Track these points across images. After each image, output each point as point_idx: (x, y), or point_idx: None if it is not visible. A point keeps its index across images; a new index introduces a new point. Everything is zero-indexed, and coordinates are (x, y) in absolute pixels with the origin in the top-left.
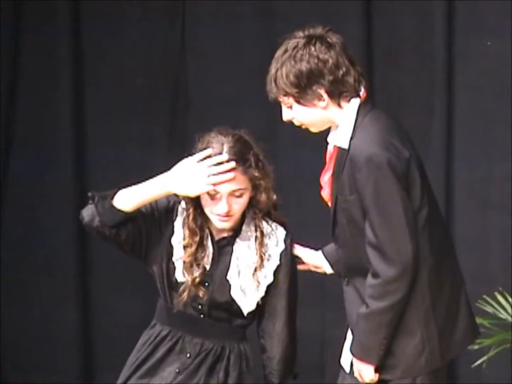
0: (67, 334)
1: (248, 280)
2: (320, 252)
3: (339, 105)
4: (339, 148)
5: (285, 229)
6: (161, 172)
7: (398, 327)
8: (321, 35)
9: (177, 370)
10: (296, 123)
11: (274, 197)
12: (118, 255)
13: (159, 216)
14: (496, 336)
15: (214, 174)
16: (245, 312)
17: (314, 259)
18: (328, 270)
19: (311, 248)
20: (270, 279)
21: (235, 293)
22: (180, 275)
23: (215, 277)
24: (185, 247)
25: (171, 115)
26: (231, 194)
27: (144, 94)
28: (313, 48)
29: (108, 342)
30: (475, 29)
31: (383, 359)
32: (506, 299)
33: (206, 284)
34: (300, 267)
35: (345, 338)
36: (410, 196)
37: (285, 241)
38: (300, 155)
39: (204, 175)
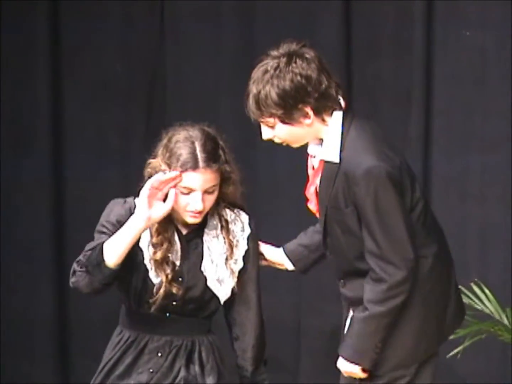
0: (43, 319)
1: (222, 269)
2: (281, 249)
3: (323, 120)
4: (327, 162)
5: (247, 213)
6: (139, 159)
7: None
8: (298, 51)
9: (151, 370)
10: (277, 140)
11: (240, 188)
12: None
13: None
14: (471, 327)
15: (172, 187)
16: (222, 301)
17: (275, 256)
18: (290, 267)
19: (274, 245)
20: (240, 264)
21: (211, 284)
22: (153, 276)
23: (187, 271)
24: (154, 245)
25: (149, 103)
26: (205, 191)
27: (122, 81)
28: (294, 65)
29: (84, 328)
30: (454, 19)
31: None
32: (482, 290)
33: (180, 279)
34: (262, 263)
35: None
36: (404, 200)
37: (250, 224)
38: (278, 146)
39: (161, 196)
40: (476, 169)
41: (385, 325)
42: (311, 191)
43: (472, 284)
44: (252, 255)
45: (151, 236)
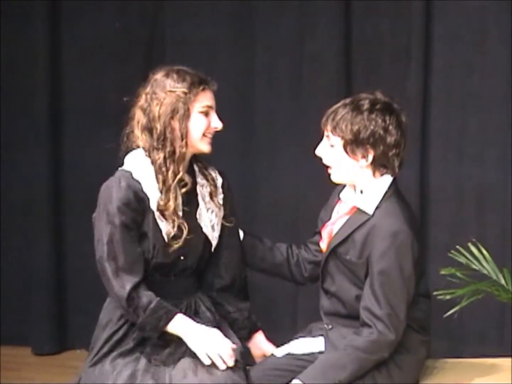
0: (41, 277)
1: (214, 214)
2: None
3: (374, 174)
4: (360, 210)
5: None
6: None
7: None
8: (397, 110)
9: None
10: (326, 161)
11: None
12: (92, 201)
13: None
14: (468, 287)
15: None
16: (214, 247)
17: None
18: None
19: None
20: (222, 211)
21: (206, 230)
22: (163, 227)
23: (187, 220)
24: (165, 197)
25: (147, 61)
26: None
27: (121, 39)
28: (387, 118)
29: (81, 286)
30: None
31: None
32: (479, 250)
33: (183, 228)
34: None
35: None
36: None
37: (220, 173)
38: (276, 102)
39: None
40: (474, 128)
41: (354, 369)
42: (327, 231)
43: (469, 244)
44: (229, 202)
45: (161, 187)
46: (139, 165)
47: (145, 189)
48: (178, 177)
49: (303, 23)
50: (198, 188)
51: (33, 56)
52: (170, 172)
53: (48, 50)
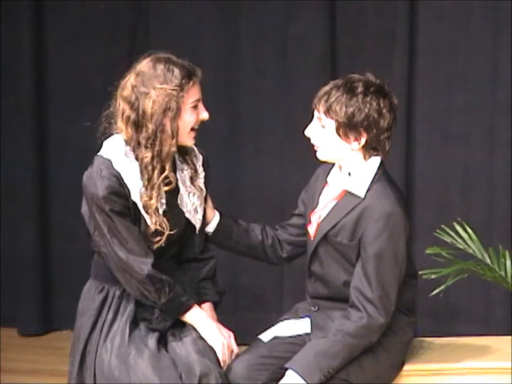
0: (26, 258)
1: (195, 196)
2: (218, 214)
3: (364, 156)
4: (349, 193)
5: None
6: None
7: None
8: (389, 93)
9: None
10: (315, 142)
11: None
12: (78, 182)
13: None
14: (454, 266)
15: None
16: (197, 228)
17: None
18: (209, 228)
19: None
20: (204, 191)
21: (188, 215)
22: (149, 222)
23: (170, 211)
24: (148, 195)
25: (131, 43)
26: None
27: (105, 21)
28: (381, 101)
29: (67, 267)
30: None
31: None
32: (465, 230)
33: (167, 220)
34: None
35: None
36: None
37: (200, 153)
38: (261, 83)
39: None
40: (459, 109)
41: (345, 356)
42: (316, 215)
43: (454, 223)
44: (208, 183)
45: (146, 183)
46: (119, 155)
47: (126, 180)
48: (164, 175)
49: (288, 4)
50: (178, 173)
51: (17, 38)
52: (156, 171)
53: (32, 32)
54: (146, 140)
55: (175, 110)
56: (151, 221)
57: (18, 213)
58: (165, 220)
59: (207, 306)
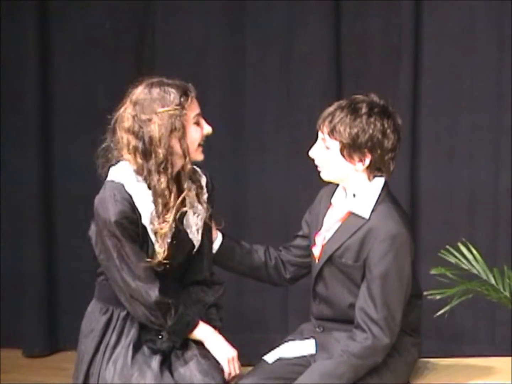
0: (31, 279)
1: (199, 219)
2: (220, 236)
3: (368, 177)
4: (354, 214)
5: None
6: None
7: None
8: (393, 114)
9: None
10: (319, 163)
11: None
12: (83, 201)
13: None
14: (458, 286)
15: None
16: (196, 247)
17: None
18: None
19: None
20: (207, 212)
21: (192, 236)
22: (157, 247)
23: (176, 230)
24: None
25: (138, 61)
26: None
27: (111, 39)
28: (385, 121)
29: (72, 287)
30: None
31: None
32: (469, 250)
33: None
34: None
35: None
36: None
37: (204, 174)
38: (266, 102)
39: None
40: (464, 128)
41: (350, 377)
42: (321, 237)
43: (459, 244)
44: (211, 204)
45: (161, 210)
46: (129, 180)
47: (137, 204)
48: (182, 197)
49: (293, 22)
50: (186, 193)
51: (23, 55)
52: (173, 194)
53: (38, 50)
54: (158, 165)
55: (181, 129)
56: (160, 248)
57: (23, 232)
58: (166, 249)
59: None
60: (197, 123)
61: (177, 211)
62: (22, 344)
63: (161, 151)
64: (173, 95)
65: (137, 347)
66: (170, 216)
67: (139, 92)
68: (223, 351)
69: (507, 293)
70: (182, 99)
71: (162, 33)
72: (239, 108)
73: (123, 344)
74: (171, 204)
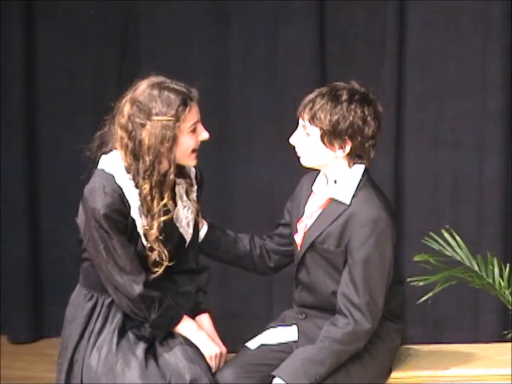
0: (16, 265)
1: (189, 212)
2: (206, 225)
3: (349, 164)
4: (335, 201)
5: None
6: (111, 102)
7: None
8: (374, 101)
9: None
10: (299, 150)
11: None
12: (68, 189)
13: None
14: (442, 273)
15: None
16: (187, 244)
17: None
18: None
19: None
20: (197, 205)
21: (182, 230)
22: (145, 241)
23: (165, 224)
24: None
25: (122, 47)
26: None
27: (95, 25)
28: (366, 108)
29: (57, 274)
30: None
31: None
32: (453, 237)
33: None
34: None
35: None
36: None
37: (194, 166)
38: (251, 91)
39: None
40: (449, 116)
41: (332, 362)
42: (302, 224)
43: (443, 231)
44: (200, 195)
45: (145, 213)
46: (120, 171)
47: (127, 196)
48: (161, 204)
49: (278, 11)
50: (177, 188)
51: (7, 44)
52: (155, 201)
53: (23, 39)
54: (144, 171)
55: (171, 140)
56: (152, 251)
57: (7, 220)
58: (165, 251)
59: (206, 316)
60: (193, 131)
61: (159, 217)
62: (7, 330)
63: (147, 158)
64: (171, 104)
65: (121, 334)
66: (154, 223)
67: (140, 91)
68: (206, 348)
69: (490, 280)
70: (179, 109)
71: (147, 21)
72: (224, 96)
73: (107, 331)
74: (154, 210)
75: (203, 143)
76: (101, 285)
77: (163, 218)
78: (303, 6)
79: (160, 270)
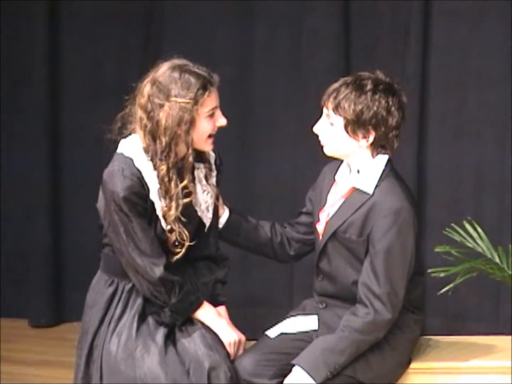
0: (38, 250)
1: (209, 196)
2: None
3: (372, 154)
4: (358, 190)
5: None
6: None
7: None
8: (399, 91)
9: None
10: (323, 138)
11: None
12: (91, 175)
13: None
14: (463, 264)
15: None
16: (206, 228)
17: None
18: (222, 219)
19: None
20: (216, 190)
21: (201, 214)
22: (164, 224)
23: (184, 208)
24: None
25: (146, 32)
26: None
27: (119, 10)
28: (390, 99)
29: (79, 259)
30: None
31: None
32: (475, 228)
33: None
34: None
35: None
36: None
37: (212, 150)
38: (275, 78)
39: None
40: (472, 106)
41: (352, 352)
42: (324, 213)
43: (464, 222)
44: (219, 182)
45: (164, 194)
46: (139, 155)
47: (146, 179)
48: (180, 186)
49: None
50: (196, 172)
51: (31, 29)
52: (173, 182)
53: (47, 23)
54: (161, 152)
55: (188, 123)
56: (172, 232)
57: (30, 204)
58: (185, 231)
59: (223, 309)
60: (211, 116)
61: (177, 199)
62: (29, 314)
63: (164, 139)
64: (190, 86)
65: (142, 319)
66: (173, 205)
67: (161, 72)
68: (226, 335)
69: (511, 272)
70: (198, 93)
71: (171, 8)
72: (248, 85)
73: (127, 316)
74: (172, 192)
75: (226, 130)
76: (122, 270)
77: (183, 201)
78: None
79: (182, 251)
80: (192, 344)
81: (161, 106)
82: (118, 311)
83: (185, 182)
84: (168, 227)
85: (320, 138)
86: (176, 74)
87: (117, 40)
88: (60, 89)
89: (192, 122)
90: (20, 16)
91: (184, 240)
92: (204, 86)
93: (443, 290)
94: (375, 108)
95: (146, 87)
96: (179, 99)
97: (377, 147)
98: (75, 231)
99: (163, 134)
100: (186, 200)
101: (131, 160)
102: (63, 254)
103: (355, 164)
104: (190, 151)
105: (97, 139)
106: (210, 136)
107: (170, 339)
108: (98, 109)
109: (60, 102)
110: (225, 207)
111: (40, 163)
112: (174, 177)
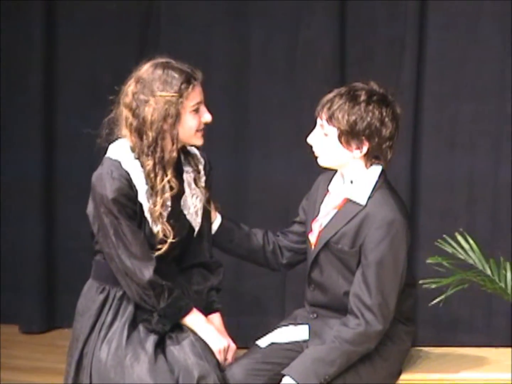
0: (30, 256)
1: (198, 198)
2: (219, 217)
3: (366, 164)
4: (351, 201)
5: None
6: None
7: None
8: (392, 102)
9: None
10: (317, 149)
11: None
12: (85, 180)
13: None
14: (454, 276)
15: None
16: (196, 230)
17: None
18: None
19: None
20: (205, 195)
21: (190, 217)
22: (153, 226)
23: (173, 214)
24: (154, 201)
25: (142, 40)
26: None
27: (116, 19)
28: (384, 110)
29: (70, 265)
30: None
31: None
32: (466, 240)
33: (171, 222)
34: None
35: None
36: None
37: (202, 156)
38: (270, 87)
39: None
40: (466, 118)
41: (342, 363)
42: (318, 224)
43: (456, 234)
44: (209, 187)
45: (150, 190)
46: (126, 157)
47: (135, 181)
48: (165, 181)
49: (298, 9)
50: (184, 175)
51: (28, 35)
52: (158, 178)
53: (43, 30)
54: (147, 147)
55: (174, 116)
56: (157, 227)
57: (23, 210)
58: (169, 227)
59: (217, 316)
60: (196, 111)
61: (162, 194)
62: (20, 320)
63: (151, 134)
64: (174, 81)
65: (132, 327)
66: (158, 200)
67: (144, 70)
68: (214, 342)
69: (502, 284)
70: (182, 86)
71: (167, 15)
72: (243, 93)
73: (118, 324)
74: (158, 187)
75: (221, 137)
76: (113, 277)
77: (166, 194)
78: (324, 5)
79: (165, 247)
80: (181, 352)
81: (146, 101)
82: (109, 318)
83: (168, 176)
84: (157, 227)
85: (314, 149)
86: (159, 71)
87: (113, 44)
88: (55, 95)
89: (177, 116)
90: (17, 24)
91: (167, 237)
92: (188, 80)
93: (435, 301)
94: (368, 119)
95: (130, 87)
96: (164, 93)
97: (370, 157)
98: (67, 238)
99: (149, 129)
100: (169, 193)
101: (119, 162)
102: (55, 261)
103: (348, 175)
104: (174, 146)
105: (92, 144)
106: (197, 131)
107: (160, 347)
108: (93, 117)
109: (55, 108)
110: (217, 213)
111: (34, 169)
112: (160, 172)
